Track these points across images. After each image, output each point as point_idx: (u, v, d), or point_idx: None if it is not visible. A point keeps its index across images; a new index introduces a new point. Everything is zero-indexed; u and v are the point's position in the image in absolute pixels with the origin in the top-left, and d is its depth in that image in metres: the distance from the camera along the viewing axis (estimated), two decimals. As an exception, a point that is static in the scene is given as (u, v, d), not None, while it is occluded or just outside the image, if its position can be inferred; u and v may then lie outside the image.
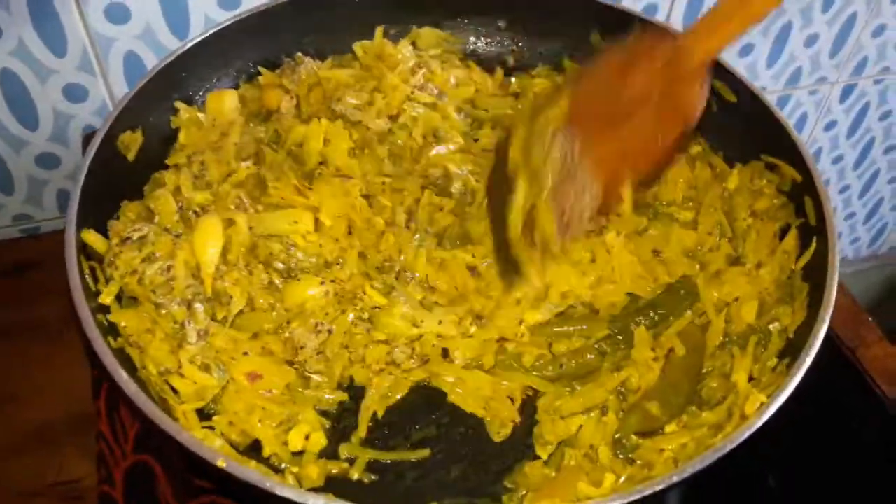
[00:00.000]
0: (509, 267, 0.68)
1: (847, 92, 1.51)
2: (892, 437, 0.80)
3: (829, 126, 1.58)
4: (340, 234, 0.71)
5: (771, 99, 1.44)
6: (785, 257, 0.71)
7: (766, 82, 1.42)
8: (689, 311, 0.70)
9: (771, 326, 0.68)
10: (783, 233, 0.74)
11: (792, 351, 0.63)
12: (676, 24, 1.25)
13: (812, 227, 0.71)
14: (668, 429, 0.63)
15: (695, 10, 1.24)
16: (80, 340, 0.87)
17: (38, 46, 0.95)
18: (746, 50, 1.35)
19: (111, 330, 0.63)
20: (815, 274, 0.67)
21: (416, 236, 0.74)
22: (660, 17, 1.23)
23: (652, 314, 0.70)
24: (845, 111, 1.56)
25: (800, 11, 1.32)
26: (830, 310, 0.61)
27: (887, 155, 1.72)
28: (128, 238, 0.65)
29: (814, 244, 0.69)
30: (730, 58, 1.34)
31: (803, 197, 0.72)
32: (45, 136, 1.04)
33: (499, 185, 0.68)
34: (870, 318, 0.99)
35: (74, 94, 1.01)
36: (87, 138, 1.04)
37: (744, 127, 0.80)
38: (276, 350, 0.66)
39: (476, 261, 0.73)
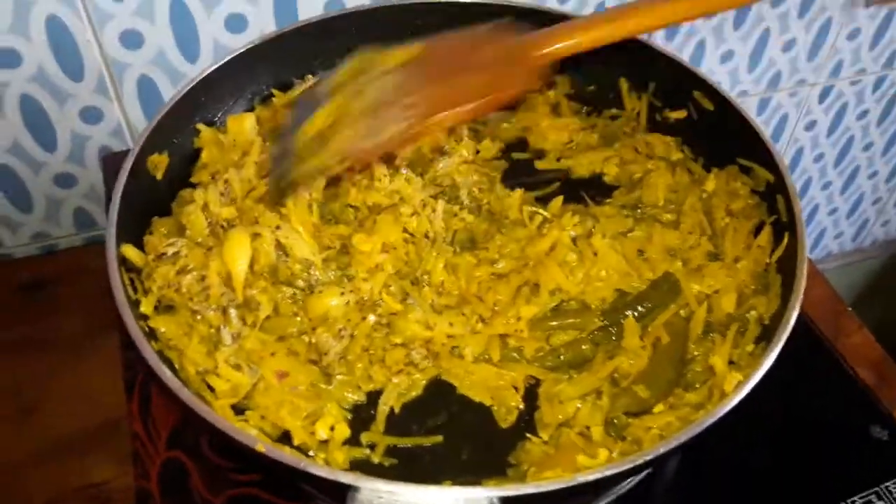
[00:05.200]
0: (284, 182, 0.72)
1: (826, 93, 1.58)
2: (870, 422, 0.86)
3: (810, 126, 1.64)
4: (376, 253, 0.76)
5: (752, 101, 1.53)
6: (760, 252, 0.77)
7: (747, 86, 1.49)
8: (673, 304, 0.76)
9: (748, 315, 0.74)
10: (757, 230, 0.80)
11: (767, 336, 0.69)
12: (658, 38, 1.32)
13: (784, 224, 0.76)
14: (656, 409, 0.69)
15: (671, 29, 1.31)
16: (105, 348, 0.93)
17: (56, 72, 1.01)
18: (727, 56, 1.42)
19: (151, 335, 0.69)
20: (788, 266, 0.72)
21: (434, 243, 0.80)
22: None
23: (639, 307, 0.76)
24: (824, 111, 1.62)
25: (777, 17, 1.38)
26: (800, 297, 0.67)
27: (866, 152, 1.78)
28: (163, 254, 0.71)
29: (786, 239, 0.74)
30: (712, 64, 1.41)
31: (776, 196, 0.78)
32: (63, 157, 1.10)
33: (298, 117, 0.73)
34: (849, 309, 1.05)
35: (91, 116, 1.07)
36: (106, 160, 1.10)
37: (721, 133, 0.86)
38: (301, 351, 0.72)
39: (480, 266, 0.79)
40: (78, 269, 1.08)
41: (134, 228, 0.76)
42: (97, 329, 0.97)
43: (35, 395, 0.92)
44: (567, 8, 1.20)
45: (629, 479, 0.76)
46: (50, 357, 0.96)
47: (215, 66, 0.87)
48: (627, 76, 0.96)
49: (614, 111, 0.97)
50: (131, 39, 1.02)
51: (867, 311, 2.03)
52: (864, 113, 1.67)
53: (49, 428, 0.89)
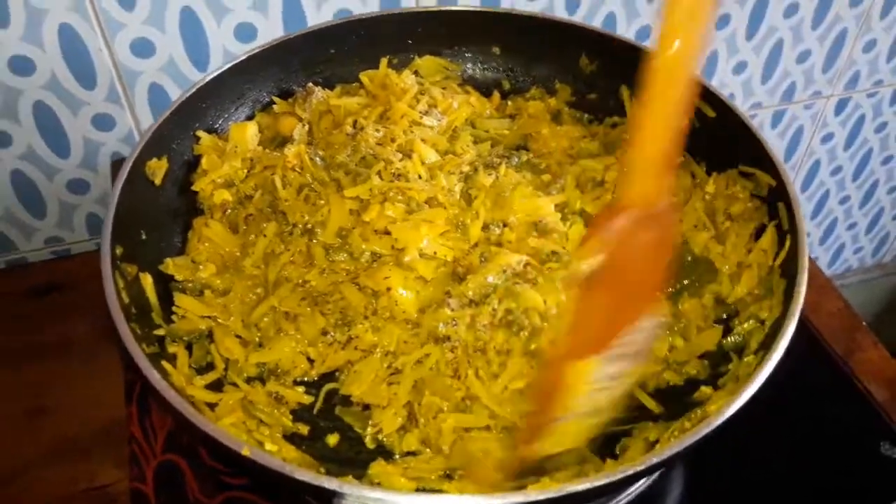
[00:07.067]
0: None
1: (842, 105, 1.56)
2: (881, 439, 0.84)
3: (826, 139, 1.62)
4: None
5: (767, 114, 1.50)
6: (763, 255, 0.76)
7: (761, 98, 1.47)
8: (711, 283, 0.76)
9: (747, 324, 0.72)
10: (759, 233, 0.79)
11: (766, 346, 0.67)
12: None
13: (785, 232, 0.75)
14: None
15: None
16: (114, 352, 0.93)
17: (69, 80, 1.03)
18: (741, 67, 1.40)
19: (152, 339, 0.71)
20: (791, 272, 0.70)
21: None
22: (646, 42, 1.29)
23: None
24: (841, 124, 1.60)
25: (790, 29, 1.37)
26: (800, 306, 0.65)
27: (885, 165, 1.75)
28: None
29: (788, 241, 0.73)
30: (725, 75, 1.40)
31: (777, 203, 0.77)
32: (76, 163, 1.11)
33: None
34: (864, 324, 1.03)
35: (103, 123, 1.08)
36: (116, 164, 1.11)
37: (722, 140, 0.85)
38: None
39: None
40: (90, 273, 1.07)
41: (131, 232, 0.77)
42: (108, 333, 0.97)
43: (46, 397, 0.93)
44: (577, 17, 1.20)
45: (628, 490, 0.75)
46: (61, 360, 0.97)
47: (218, 72, 0.88)
48: (629, 83, 0.95)
49: (615, 119, 0.96)
50: (142, 48, 1.03)
51: (888, 327, 1.99)
52: (883, 125, 1.65)
53: (58, 431, 0.90)
